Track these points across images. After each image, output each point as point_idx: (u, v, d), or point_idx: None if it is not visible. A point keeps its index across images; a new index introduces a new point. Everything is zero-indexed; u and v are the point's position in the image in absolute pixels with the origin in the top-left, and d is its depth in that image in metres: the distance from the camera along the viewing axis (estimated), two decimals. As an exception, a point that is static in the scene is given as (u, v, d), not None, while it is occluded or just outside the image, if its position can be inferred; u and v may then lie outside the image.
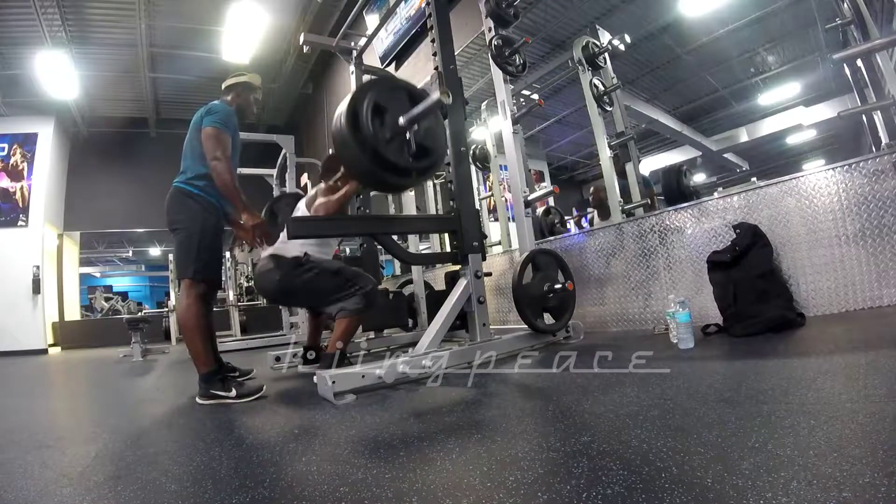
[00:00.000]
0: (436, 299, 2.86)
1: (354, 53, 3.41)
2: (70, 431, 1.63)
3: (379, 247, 3.12)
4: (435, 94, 1.70)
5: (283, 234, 2.17)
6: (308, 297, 2.32)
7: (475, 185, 4.67)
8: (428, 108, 1.73)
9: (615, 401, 1.26)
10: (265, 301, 7.72)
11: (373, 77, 3.11)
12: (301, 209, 2.42)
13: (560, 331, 2.43)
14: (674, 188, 3.16)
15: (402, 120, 1.74)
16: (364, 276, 2.21)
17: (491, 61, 2.55)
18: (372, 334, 3.22)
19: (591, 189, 4.33)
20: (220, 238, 2.10)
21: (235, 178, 1.98)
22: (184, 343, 2.05)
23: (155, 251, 13.85)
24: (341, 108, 1.70)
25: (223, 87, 2.24)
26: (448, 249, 2.34)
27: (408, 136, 1.77)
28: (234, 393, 1.81)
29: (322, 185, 2.41)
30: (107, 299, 12.16)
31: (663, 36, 6.69)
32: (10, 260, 6.68)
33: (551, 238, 3.55)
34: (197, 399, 1.86)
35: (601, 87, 3.40)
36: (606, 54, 3.52)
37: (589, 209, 4.51)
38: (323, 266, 2.18)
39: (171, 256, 7.15)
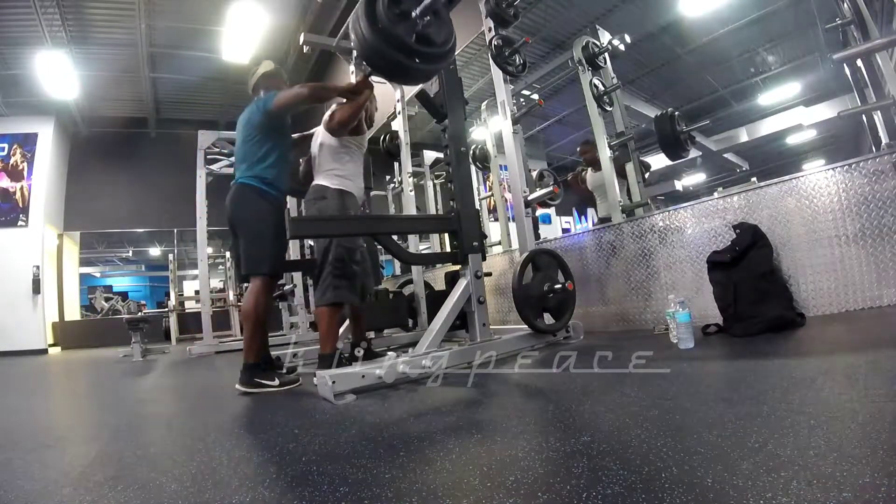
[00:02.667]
0: (436, 299, 2.86)
1: (354, 53, 3.41)
2: (70, 431, 1.63)
3: (379, 247, 3.12)
4: None
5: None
6: (321, 250, 2.20)
7: (475, 185, 4.67)
8: None
9: (615, 401, 1.26)
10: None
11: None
12: (318, 132, 2.35)
13: (560, 331, 2.43)
14: (668, 134, 3.17)
15: (416, 11, 1.79)
16: (352, 272, 2.18)
17: (491, 61, 2.54)
18: (372, 334, 3.22)
19: (584, 144, 4.06)
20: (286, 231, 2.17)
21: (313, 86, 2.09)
22: (183, 343, 2.10)
23: (155, 251, 13.82)
24: None
25: (251, 91, 2.27)
26: (448, 249, 2.33)
27: (418, 25, 1.82)
28: (276, 382, 1.94)
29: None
30: (107, 299, 12.13)
31: (663, 36, 6.69)
32: (10, 260, 6.67)
33: (551, 238, 3.55)
34: (237, 385, 1.94)
35: (601, 87, 3.40)
36: (606, 54, 3.52)
37: (581, 168, 4.25)
38: (342, 243, 2.15)
39: (171, 256, 7.15)
